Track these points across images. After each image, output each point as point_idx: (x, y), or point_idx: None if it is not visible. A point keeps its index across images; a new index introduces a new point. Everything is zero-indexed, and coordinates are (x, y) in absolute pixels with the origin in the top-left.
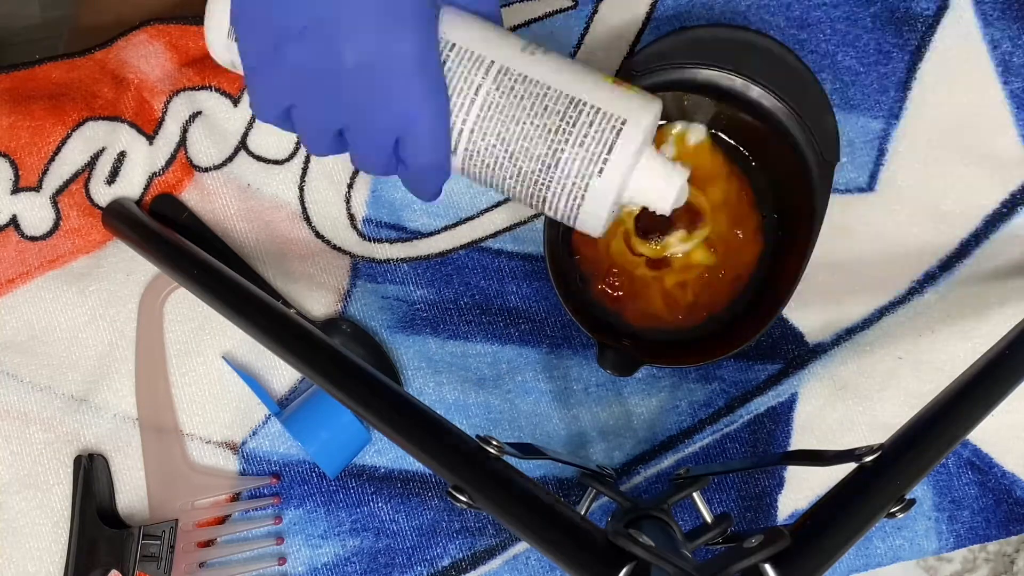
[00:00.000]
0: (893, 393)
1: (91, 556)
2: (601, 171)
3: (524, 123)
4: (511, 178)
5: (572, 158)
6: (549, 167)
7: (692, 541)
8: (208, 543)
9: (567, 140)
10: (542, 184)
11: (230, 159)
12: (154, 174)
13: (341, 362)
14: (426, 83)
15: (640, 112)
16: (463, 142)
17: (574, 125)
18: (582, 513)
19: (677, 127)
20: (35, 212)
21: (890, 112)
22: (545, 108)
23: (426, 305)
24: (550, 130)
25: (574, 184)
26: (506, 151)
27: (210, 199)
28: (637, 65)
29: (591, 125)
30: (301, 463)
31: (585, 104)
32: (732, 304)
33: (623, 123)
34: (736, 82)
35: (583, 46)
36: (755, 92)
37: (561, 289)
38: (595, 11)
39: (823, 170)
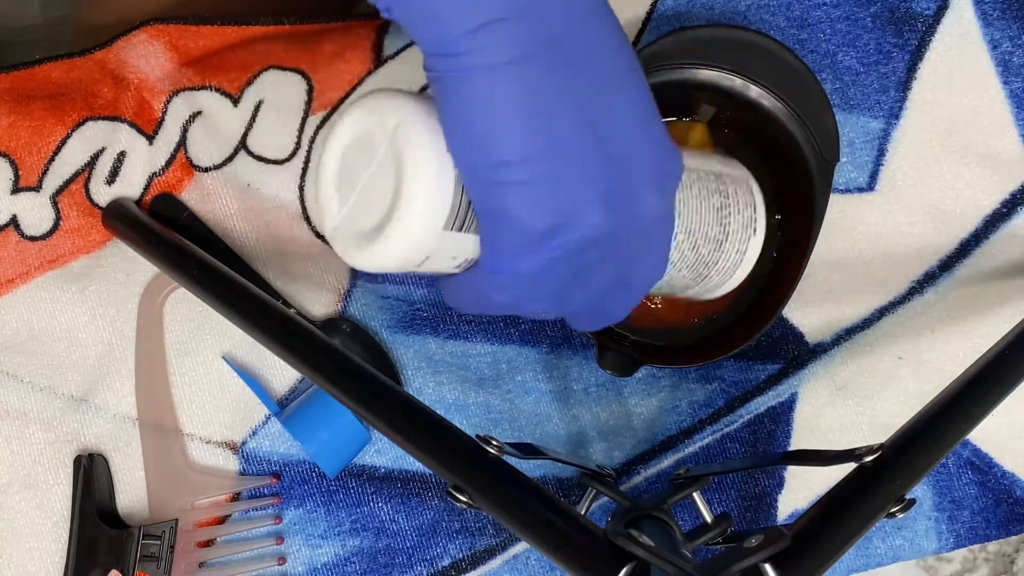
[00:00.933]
0: (893, 393)
1: (91, 556)
2: (755, 230)
3: (701, 211)
4: (686, 267)
5: (736, 228)
6: (721, 243)
7: (692, 541)
8: (208, 543)
9: (730, 212)
10: (711, 263)
11: (230, 159)
12: (154, 174)
13: (341, 362)
14: (663, 240)
15: (743, 167)
16: None
17: (728, 197)
18: (582, 513)
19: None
20: (35, 212)
21: (890, 112)
22: (707, 189)
23: (426, 305)
24: (718, 208)
25: (737, 251)
26: (691, 243)
27: (210, 199)
28: None
29: (737, 193)
30: (301, 463)
31: (723, 174)
32: (733, 304)
33: (748, 180)
34: (736, 82)
35: None
36: (754, 92)
37: None
38: None
39: (823, 170)
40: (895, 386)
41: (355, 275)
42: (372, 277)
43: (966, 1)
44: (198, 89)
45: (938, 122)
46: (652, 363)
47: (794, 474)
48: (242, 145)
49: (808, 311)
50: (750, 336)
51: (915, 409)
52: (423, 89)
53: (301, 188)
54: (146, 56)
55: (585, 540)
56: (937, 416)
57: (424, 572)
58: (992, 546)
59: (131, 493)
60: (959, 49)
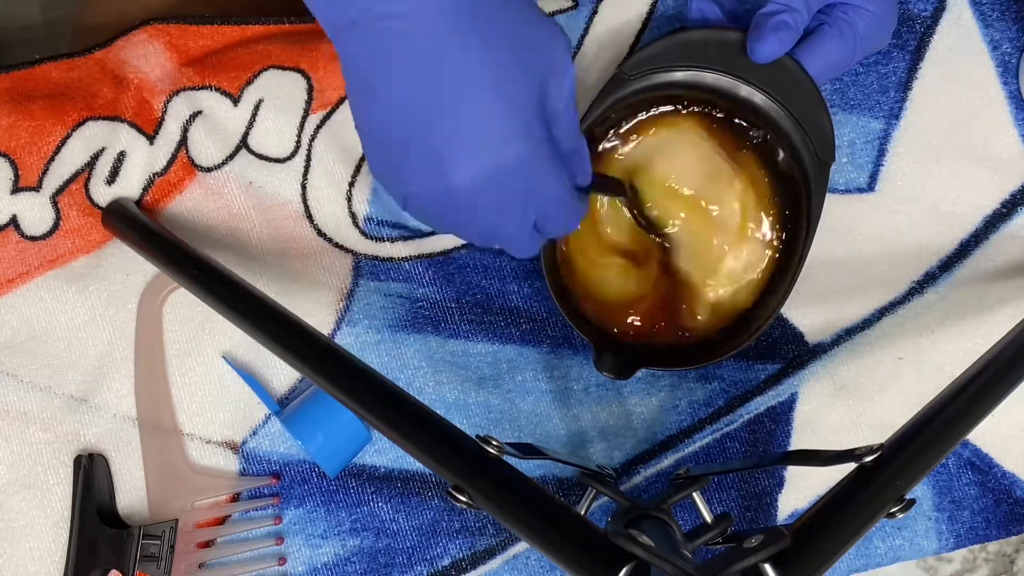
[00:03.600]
0: (893, 393)
1: (91, 556)
2: None
3: None
4: None
5: None
6: None
7: (692, 541)
8: (208, 543)
9: None
10: None
11: (231, 157)
12: (155, 174)
13: (341, 362)
14: (547, 168)
15: None
16: None
17: None
18: (582, 513)
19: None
20: (35, 212)
21: (890, 112)
22: None
23: (428, 304)
24: None
25: None
26: None
27: (212, 198)
28: (629, 69)
29: None
30: (301, 463)
31: None
32: (727, 310)
33: None
34: (724, 81)
35: (583, 46)
36: (744, 91)
37: (557, 294)
38: (595, 11)
39: (819, 169)
40: (895, 386)
41: (357, 274)
42: (375, 275)
43: (963, 3)
44: (198, 89)
45: (938, 122)
46: (649, 366)
47: (794, 474)
48: (243, 144)
49: (808, 311)
50: (749, 336)
51: (915, 409)
52: None
53: (303, 186)
54: (146, 56)
55: (585, 540)
56: (937, 416)
57: (424, 572)
58: (992, 546)
59: (131, 493)
60: (959, 50)
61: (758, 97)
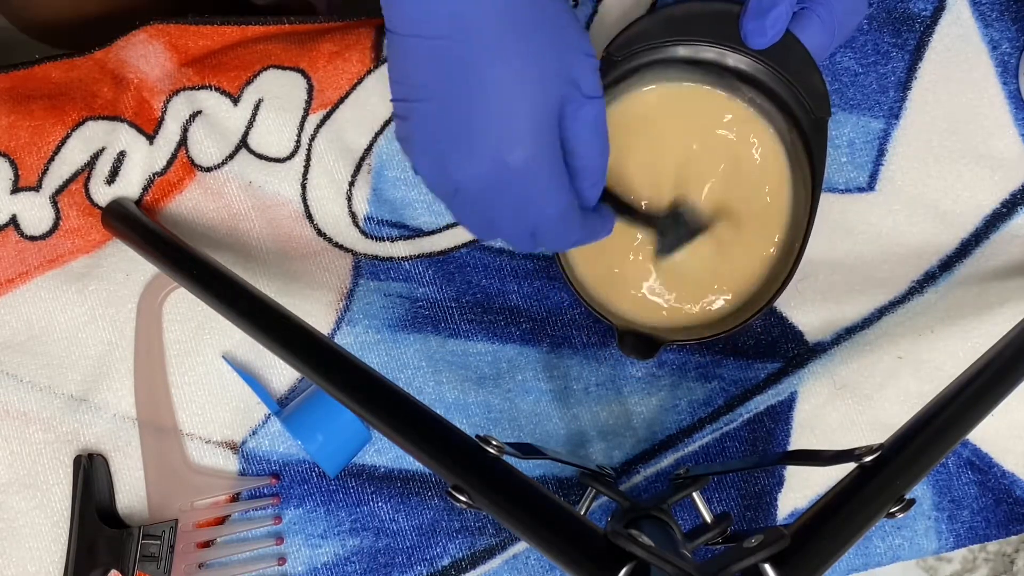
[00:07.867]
0: (893, 393)
1: (91, 556)
2: None
3: None
4: None
5: None
6: None
7: (692, 541)
8: (208, 544)
9: None
10: None
11: (231, 157)
12: (155, 174)
13: (341, 362)
14: (545, 182)
15: None
16: None
17: None
18: (582, 513)
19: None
20: (35, 212)
21: (890, 112)
22: None
23: (428, 303)
24: None
25: None
26: None
27: (212, 198)
28: (616, 51)
29: None
30: (301, 463)
31: None
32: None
33: None
34: (712, 51)
35: None
36: (732, 60)
37: (574, 282)
38: (595, 11)
39: (816, 128)
40: (895, 386)
41: (357, 273)
42: (375, 275)
43: (963, 2)
44: (198, 88)
45: (938, 122)
46: (673, 342)
47: (794, 473)
48: (243, 144)
49: (808, 310)
50: (768, 301)
51: (915, 409)
52: None
53: (303, 186)
54: (146, 56)
55: (585, 540)
56: (937, 416)
57: (424, 572)
58: (992, 546)
59: (131, 493)
60: (958, 49)
61: (747, 63)
